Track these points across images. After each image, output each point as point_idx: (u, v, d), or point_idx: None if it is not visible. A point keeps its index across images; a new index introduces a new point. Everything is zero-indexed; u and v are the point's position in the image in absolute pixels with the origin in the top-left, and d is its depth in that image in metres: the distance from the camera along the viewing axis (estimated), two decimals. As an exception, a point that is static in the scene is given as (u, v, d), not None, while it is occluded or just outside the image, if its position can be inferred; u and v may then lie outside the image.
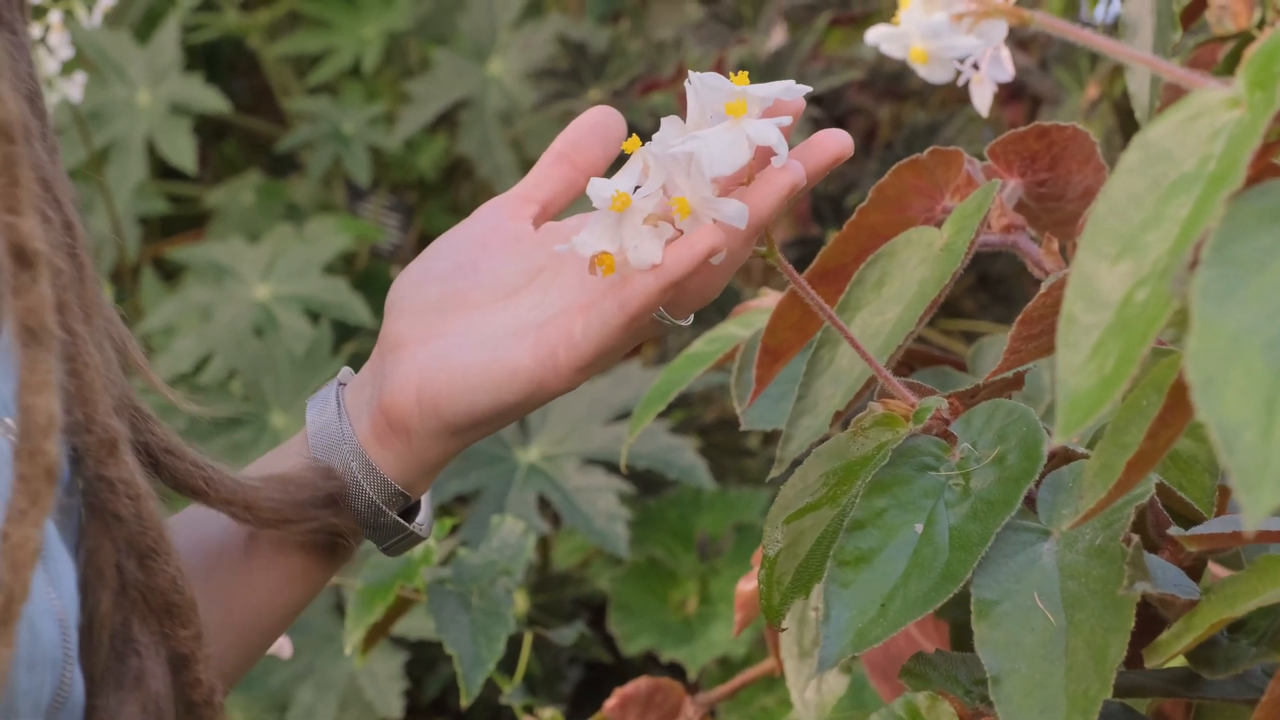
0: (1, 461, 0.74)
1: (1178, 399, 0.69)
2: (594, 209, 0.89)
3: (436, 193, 2.36)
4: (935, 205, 1.03)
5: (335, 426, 0.95)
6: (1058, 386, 0.63)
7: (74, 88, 1.84)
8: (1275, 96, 0.60)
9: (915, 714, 0.86)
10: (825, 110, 1.90)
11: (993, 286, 1.88)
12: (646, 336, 0.95)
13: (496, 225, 0.96)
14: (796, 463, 1.02)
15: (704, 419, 1.81)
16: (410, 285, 0.95)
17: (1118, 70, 1.66)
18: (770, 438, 1.91)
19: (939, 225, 1.00)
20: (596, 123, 0.97)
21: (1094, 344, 0.63)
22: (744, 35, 1.95)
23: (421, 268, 0.96)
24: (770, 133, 0.88)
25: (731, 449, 1.79)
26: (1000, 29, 0.66)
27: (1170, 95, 1.35)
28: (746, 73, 0.92)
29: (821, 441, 1.00)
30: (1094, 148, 1.01)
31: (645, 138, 1.97)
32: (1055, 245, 1.03)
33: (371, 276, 2.20)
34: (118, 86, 2.20)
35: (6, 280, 0.70)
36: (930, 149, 1.02)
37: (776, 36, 1.94)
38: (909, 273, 0.98)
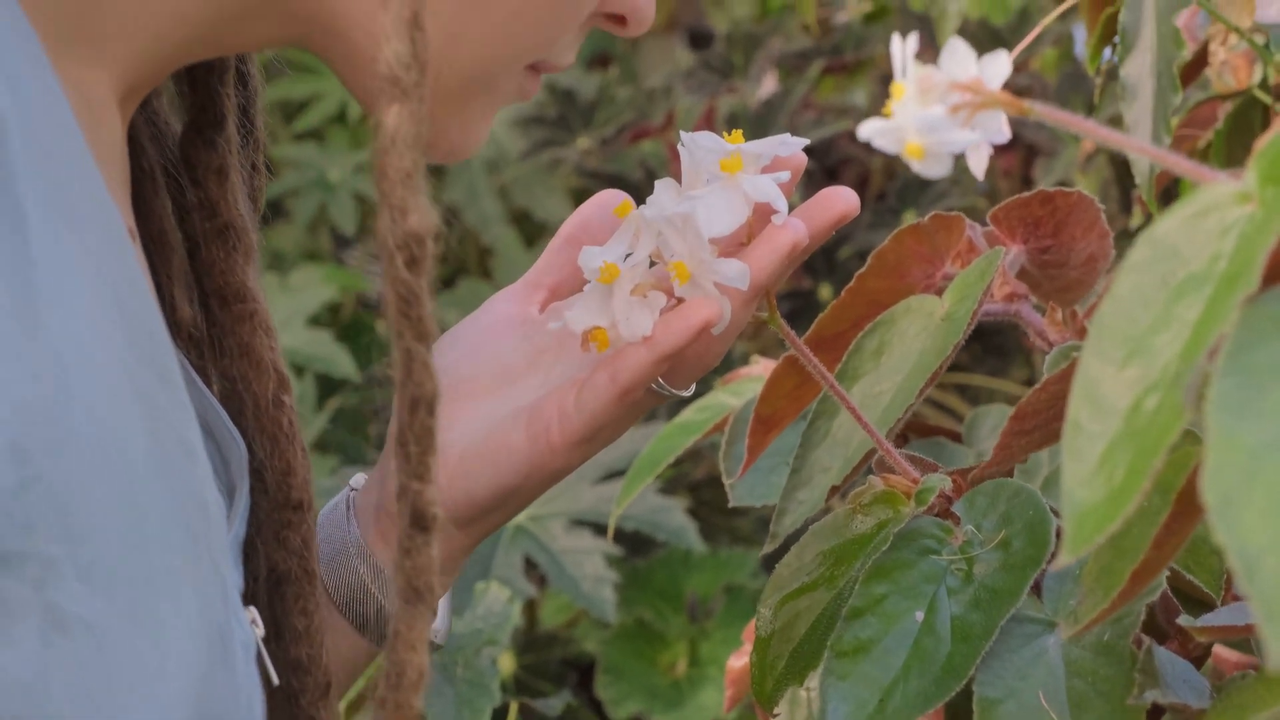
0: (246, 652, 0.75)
1: (1185, 504, 0.66)
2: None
3: (423, 240, 2.33)
4: (936, 271, 1.00)
5: (343, 531, 0.93)
6: (1063, 498, 0.60)
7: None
8: (1291, 194, 0.57)
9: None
10: (817, 160, 1.88)
11: (987, 338, 1.85)
12: (645, 409, 0.92)
13: (503, 313, 0.94)
14: (791, 538, 1.00)
15: (694, 476, 1.77)
16: None
17: (1115, 122, 1.64)
18: (762, 494, 1.88)
19: (939, 293, 0.97)
20: (605, 203, 0.94)
21: (1101, 454, 0.59)
22: (734, 84, 1.92)
23: None
24: (769, 188, 0.85)
25: (722, 507, 1.75)
26: (999, 120, 0.63)
27: (1183, 147, 1.32)
28: (740, 130, 0.89)
29: (819, 516, 0.97)
30: (1098, 214, 0.98)
31: (636, 188, 1.95)
32: (1059, 315, 1.00)
33: (357, 326, 2.17)
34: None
35: (401, 540, 0.72)
36: (931, 214, 0.99)
37: (768, 85, 1.91)
38: (909, 342, 0.96)
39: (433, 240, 0.68)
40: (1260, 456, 0.53)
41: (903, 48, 0.61)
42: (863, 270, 1.00)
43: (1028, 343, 1.83)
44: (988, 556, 0.83)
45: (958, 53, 0.61)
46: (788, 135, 0.90)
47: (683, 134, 0.89)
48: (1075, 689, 0.78)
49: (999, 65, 0.61)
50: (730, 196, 0.85)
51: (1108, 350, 0.61)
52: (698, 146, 0.87)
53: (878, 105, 1.96)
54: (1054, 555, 0.82)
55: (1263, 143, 0.59)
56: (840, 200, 0.90)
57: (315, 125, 2.28)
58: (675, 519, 1.58)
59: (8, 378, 0.62)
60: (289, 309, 1.96)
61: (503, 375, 0.93)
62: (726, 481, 1.08)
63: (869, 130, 0.61)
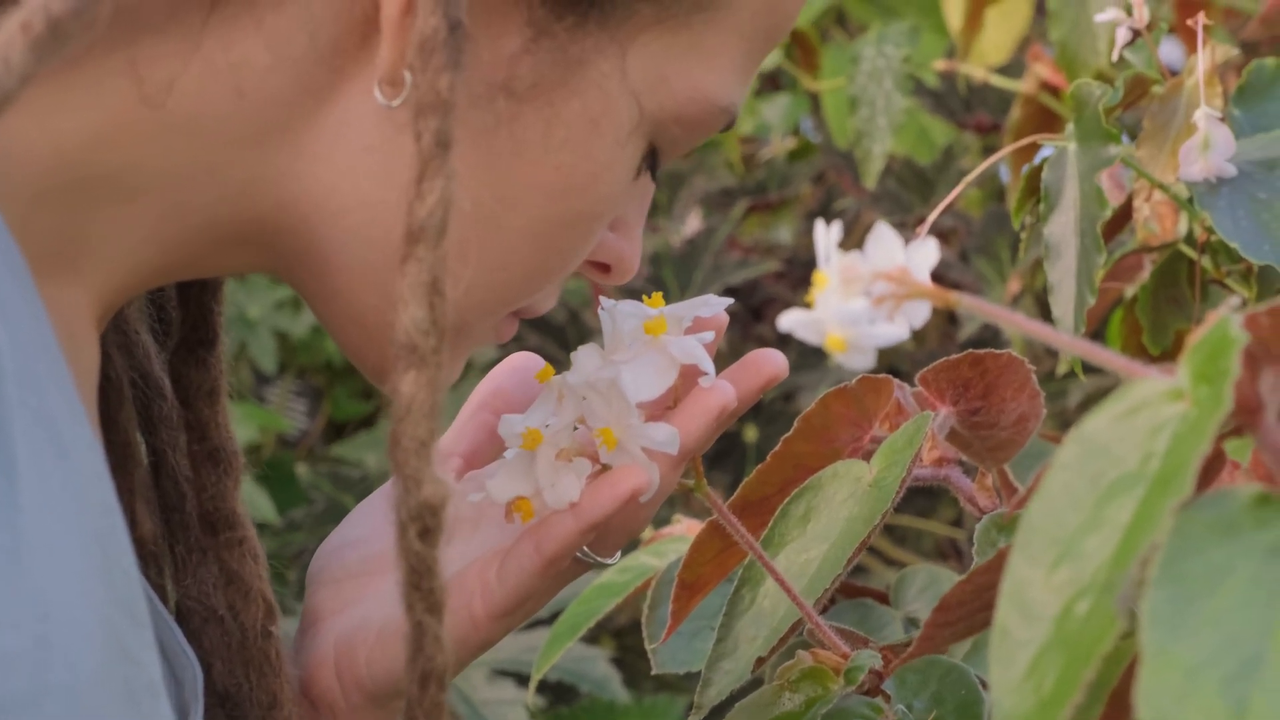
0: None
1: (1120, 704, 0.64)
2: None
3: (345, 377, 2.31)
4: (863, 435, 0.98)
5: None
6: (994, 707, 0.58)
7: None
8: (1223, 395, 0.55)
9: None
10: (742, 300, 1.86)
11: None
12: (570, 578, 0.90)
13: None
14: (718, 709, 0.97)
15: (618, 622, 1.75)
16: (328, 555, 0.91)
17: (1039, 264, 1.63)
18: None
19: (867, 456, 0.96)
20: (518, 367, 0.93)
21: (1030, 661, 0.58)
22: (658, 223, 1.91)
23: (340, 535, 0.92)
24: (695, 350, 0.83)
25: (645, 653, 1.73)
26: (924, 310, 0.61)
27: (1109, 299, 1.31)
28: (661, 293, 0.88)
29: (747, 688, 0.95)
30: (1029, 375, 0.97)
31: (559, 330, 1.92)
32: (989, 481, 0.99)
33: (278, 466, 2.14)
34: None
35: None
36: (859, 377, 0.98)
37: (692, 223, 1.90)
38: (836, 509, 0.94)
39: (446, 510, 0.67)
40: (1195, 675, 0.52)
41: (826, 235, 0.60)
42: (789, 434, 0.99)
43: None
44: None
45: (884, 240, 0.59)
46: (710, 296, 0.89)
47: (602, 300, 0.87)
48: None
49: (926, 253, 0.60)
50: (656, 360, 0.83)
51: (1036, 553, 0.59)
52: (620, 312, 0.86)
53: (802, 242, 1.95)
54: None
55: (1195, 338, 0.57)
56: (769, 364, 0.89)
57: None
58: (599, 669, 1.55)
59: None
60: (207, 449, 1.93)
61: None
62: (650, 647, 1.06)
63: (790, 322, 0.60)
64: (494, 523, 0.90)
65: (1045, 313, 1.69)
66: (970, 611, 0.74)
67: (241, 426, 1.98)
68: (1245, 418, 0.58)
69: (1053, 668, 0.57)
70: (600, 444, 0.84)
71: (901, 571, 1.13)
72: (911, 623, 1.11)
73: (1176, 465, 0.56)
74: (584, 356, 0.86)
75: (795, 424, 0.99)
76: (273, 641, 0.85)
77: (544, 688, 1.65)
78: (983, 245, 1.74)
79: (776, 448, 0.99)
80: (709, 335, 0.85)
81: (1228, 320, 0.57)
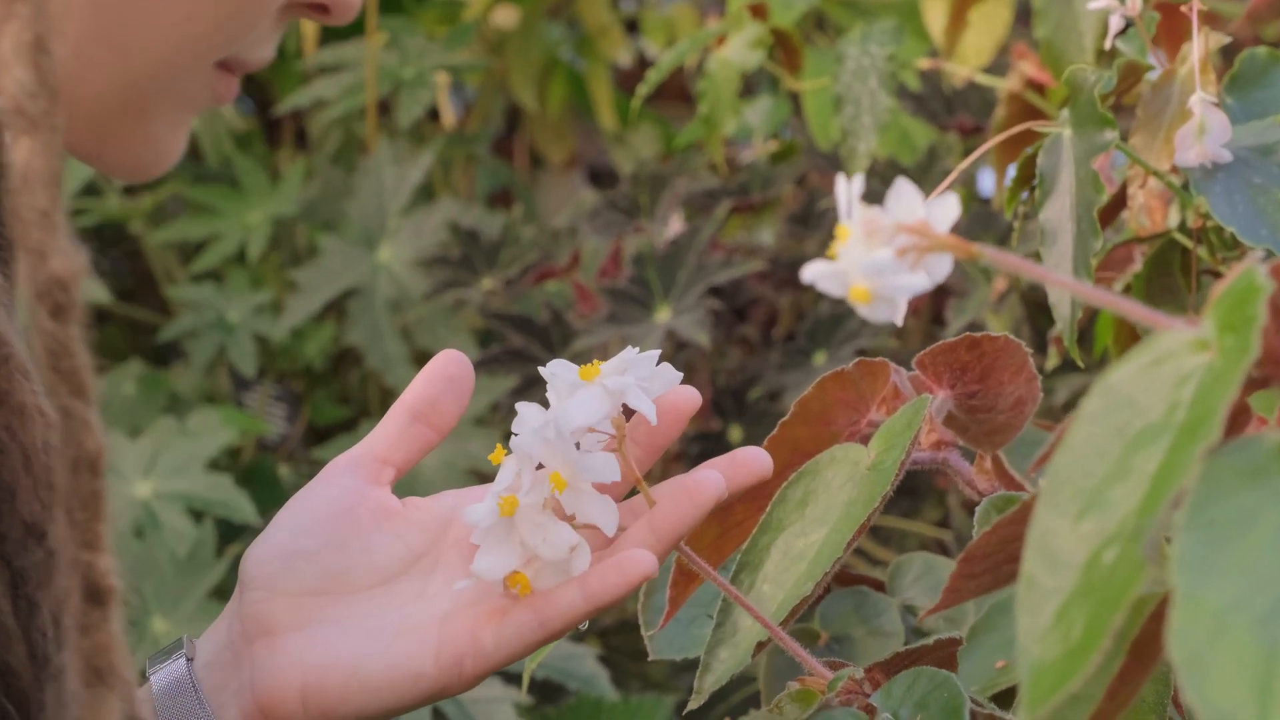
0: None
1: (1141, 653, 0.64)
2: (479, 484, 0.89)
3: (324, 382, 2.29)
4: (861, 419, 0.99)
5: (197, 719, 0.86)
6: (1019, 656, 0.58)
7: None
8: (1250, 342, 0.55)
9: None
10: (726, 301, 1.86)
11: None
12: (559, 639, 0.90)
13: (360, 494, 0.90)
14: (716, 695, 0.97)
15: (603, 622, 1.74)
16: (278, 562, 0.88)
17: (1033, 260, 1.63)
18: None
19: (865, 440, 0.96)
20: (450, 375, 0.92)
21: (1057, 609, 0.58)
22: (640, 223, 1.91)
23: (288, 542, 0.89)
24: (626, 383, 0.85)
25: (632, 652, 1.72)
26: (946, 264, 0.61)
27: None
28: (599, 360, 0.90)
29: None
30: (1026, 358, 0.97)
31: (542, 331, 1.91)
32: (988, 463, 0.99)
33: (257, 470, 2.13)
34: (-6, 275, 2.12)
35: (75, 616, 0.65)
36: (856, 361, 0.98)
37: (674, 224, 1.90)
38: (834, 493, 0.94)
39: (79, 284, 0.62)
40: (1225, 616, 0.52)
41: (848, 188, 0.60)
42: (786, 418, 0.99)
43: (941, 483, 1.81)
44: None
45: (905, 195, 0.59)
46: (653, 359, 0.89)
47: (546, 367, 0.88)
48: None
49: (948, 207, 0.60)
50: (591, 392, 0.86)
51: (1063, 503, 0.59)
52: (555, 375, 0.88)
53: (785, 245, 1.95)
54: None
55: (1221, 288, 0.57)
56: (758, 464, 0.90)
57: (213, 265, 2.25)
58: (587, 666, 1.55)
59: None
60: (188, 453, 1.92)
61: (376, 576, 0.89)
62: (646, 634, 1.05)
63: (813, 273, 0.59)
64: (454, 561, 0.89)
65: (1031, 313, 1.69)
66: (995, 564, 0.74)
67: (222, 430, 1.97)
68: (1271, 368, 0.58)
69: (1080, 615, 0.57)
70: (553, 491, 0.85)
71: (897, 559, 1.13)
72: (908, 610, 1.11)
73: (1203, 413, 0.56)
74: (525, 411, 0.88)
75: (792, 408, 0.99)
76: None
77: (531, 686, 1.64)
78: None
79: (773, 432, 0.99)
80: (669, 374, 0.89)
81: (1253, 270, 0.57)
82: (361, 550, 0.88)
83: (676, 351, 1.82)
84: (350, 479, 0.90)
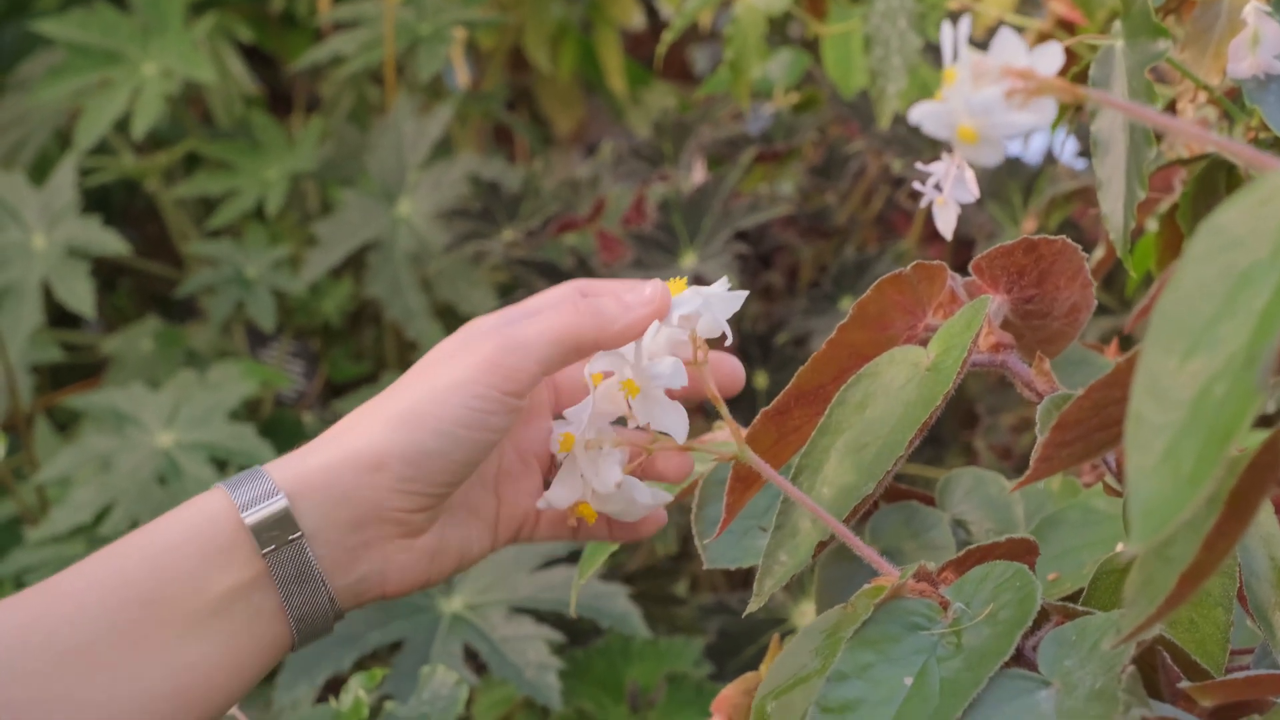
0: None
1: (1237, 505, 0.64)
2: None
3: (341, 339, 2.29)
4: (918, 323, 0.98)
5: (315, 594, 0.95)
6: (1129, 490, 0.57)
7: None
8: (1364, 173, 0.55)
9: None
10: (752, 246, 1.86)
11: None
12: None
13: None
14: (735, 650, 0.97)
15: (629, 568, 1.74)
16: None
17: (1054, 203, 1.63)
18: (698, 585, 1.85)
19: (923, 344, 0.96)
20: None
21: (1166, 445, 0.57)
22: (665, 171, 1.91)
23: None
24: (705, 291, 0.96)
25: (659, 597, 1.72)
26: (1051, 108, 0.61)
27: (1145, 211, 1.32)
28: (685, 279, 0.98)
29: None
30: (1083, 263, 0.97)
31: (566, 275, 1.91)
32: (1046, 365, 0.98)
33: (277, 424, 2.12)
34: (12, 230, 2.12)
35: None
36: (914, 263, 0.97)
37: (698, 172, 1.90)
38: (894, 394, 0.93)
39: None
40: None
41: (953, 32, 0.59)
42: (844, 321, 0.98)
43: (966, 435, 1.81)
44: (977, 629, 0.83)
45: (1009, 42, 0.59)
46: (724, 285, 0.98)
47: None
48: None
49: (1052, 55, 0.59)
50: (664, 330, 0.96)
51: (1170, 342, 0.59)
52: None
53: (808, 196, 1.94)
54: (1039, 618, 0.82)
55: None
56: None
57: (231, 222, 2.24)
58: (619, 604, 1.55)
59: None
60: (210, 404, 1.92)
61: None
62: (700, 544, 1.05)
63: (920, 113, 0.59)
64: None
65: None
66: (1087, 431, 0.74)
67: (242, 382, 1.96)
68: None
69: (1191, 449, 0.56)
70: (626, 396, 0.93)
71: (947, 474, 1.12)
72: (959, 524, 1.10)
73: (1314, 247, 0.56)
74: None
75: (850, 310, 0.99)
76: None
77: (562, 624, 1.64)
78: (995, 190, 1.74)
79: (831, 335, 0.99)
80: (736, 297, 0.98)
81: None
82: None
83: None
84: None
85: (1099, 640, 0.78)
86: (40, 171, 2.36)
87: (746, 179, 1.96)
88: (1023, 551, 0.89)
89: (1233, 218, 0.59)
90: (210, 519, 0.92)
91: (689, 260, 1.77)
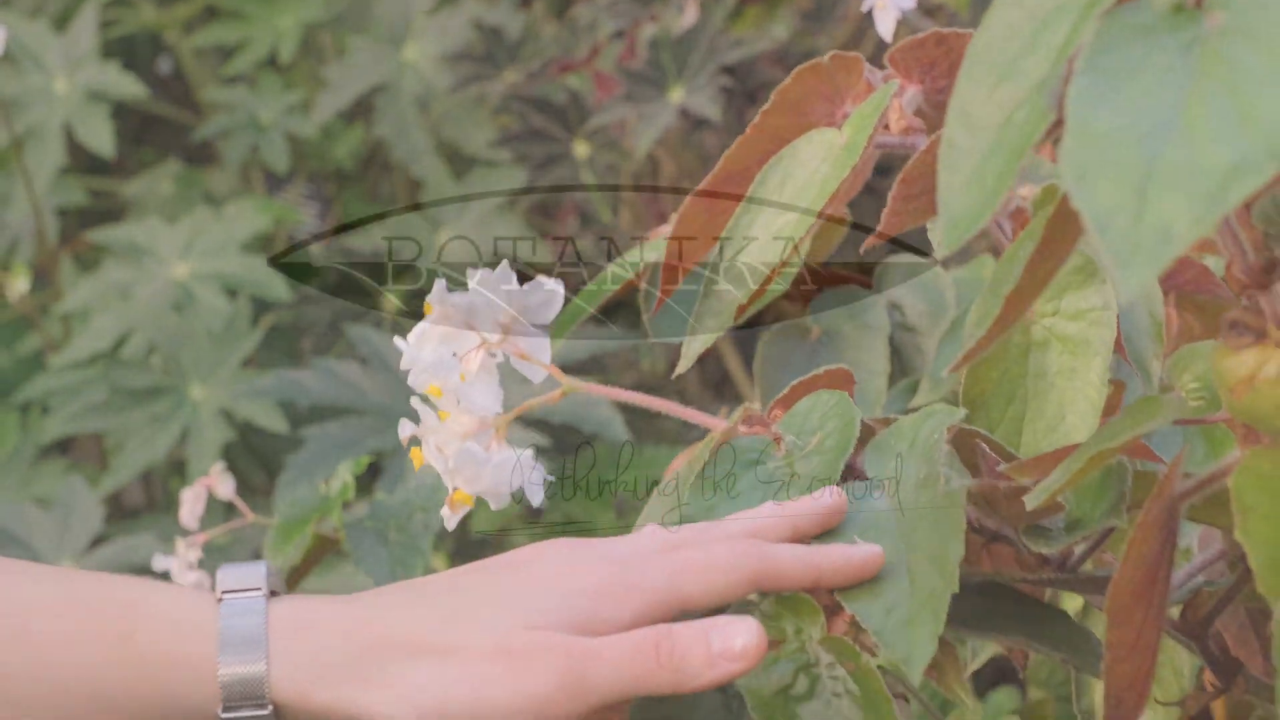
0: None
1: (1056, 229, 0.71)
2: None
3: (354, 183, 2.38)
4: (836, 110, 1.05)
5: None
6: (940, 208, 0.65)
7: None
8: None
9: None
10: (739, 81, 1.93)
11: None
12: None
13: None
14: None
15: (620, 383, 1.82)
16: None
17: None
18: (686, 401, 1.93)
19: (840, 129, 1.03)
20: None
21: (974, 166, 0.65)
22: (656, 12, 1.98)
23: None
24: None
25: (645, 412, 1.80)
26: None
27: None
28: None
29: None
30: (991, 53, 1.04)
31: (561, 111, 1.96)
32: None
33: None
34: (35, 75, 2.21)
35: None
36: (831, 54, 1.05)
37: (690, 13, 1.96)
38: (810, 172, 1.01)
39: None
40: (1112, 137, 0.59)
41: None
42: (766, 107, 1.05)
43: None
44: (808, 458, 0.91)
45: None
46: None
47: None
48: (904, 523, 0.85)
49: None
50: None
51: (980, 76, 0.67)
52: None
53: (797, 38, 2.01)
54: (860, 441, 0.89)
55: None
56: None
57: (245, 70, 2.32)
58: (602, 411, 1.63)
59: None
60: (224, 237, 2.01)
61: None
62: (645, 318, 1.13)
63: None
64: None
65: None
66: (931, 186, 0.81)
67: (256, 217, 2.05)
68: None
69: (994, 168, 0.64)
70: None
71: (884, 261, 1.20)
72: (895, 307, 1.19)
73: (1103, -14, 0.63)
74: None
75: (771, 98, 1.06)
76: None
77: (548, 428, 1.73)
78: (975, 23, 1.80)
79: (754, 120, 1.06)
80: None
81: None
82: None
83: (690, 132, 1.89)
84: None
85: (916, 435, 0.86)
86: (62, 23, 2.44)
87: (738, 22, 2.03)
88: (842, 380, 0.96)
89: (1038, -34, 0.66)
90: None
91: (676, 95, 1.84)
